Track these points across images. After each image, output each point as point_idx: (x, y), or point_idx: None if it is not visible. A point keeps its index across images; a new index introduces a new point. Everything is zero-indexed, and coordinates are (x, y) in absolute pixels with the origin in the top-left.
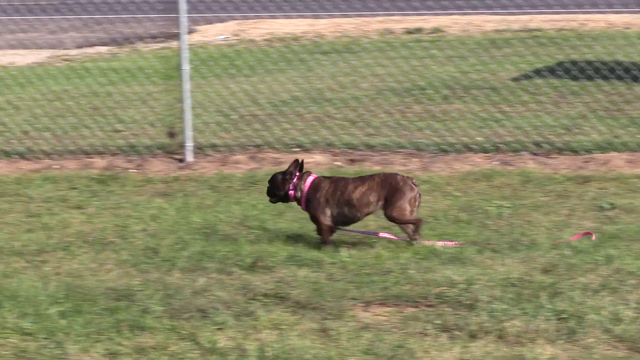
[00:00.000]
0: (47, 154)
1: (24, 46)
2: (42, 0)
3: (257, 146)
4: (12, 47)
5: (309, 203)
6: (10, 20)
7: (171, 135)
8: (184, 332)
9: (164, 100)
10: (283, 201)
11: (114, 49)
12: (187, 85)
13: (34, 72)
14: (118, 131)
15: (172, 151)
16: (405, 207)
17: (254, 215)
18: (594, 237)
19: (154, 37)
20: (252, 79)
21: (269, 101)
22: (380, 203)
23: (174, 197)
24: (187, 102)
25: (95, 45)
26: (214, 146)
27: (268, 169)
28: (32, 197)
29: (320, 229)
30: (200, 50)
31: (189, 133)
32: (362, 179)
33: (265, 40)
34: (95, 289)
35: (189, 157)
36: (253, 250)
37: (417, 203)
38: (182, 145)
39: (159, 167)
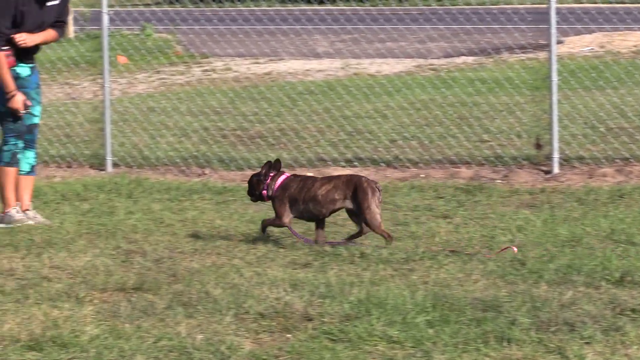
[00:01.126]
0: (414, 163)
1: (393, 55)
2: (413, 10)
3: (625, 159)
4: (381, 55)
5: (274, 199)
6: (381, 29)
7: (538, 146)
8: (551, 345)
9: (530, 111)
10: (260, 200)
11: (480, 58)
12: (554, 97)
13: (401, 81)
14: (484, 141)
15: (539, 162)
16: (373, 209)
17: (621, 229)
18: (515, 250)
19: (521, 48)
20: (620, 91)
21: (637, 114)
22: (347, 201)
23: (540, 208)
24: (555, 114)
25: (462, 55)
26: (580, 158)
27: (635, 183)
28: (399, 205)
29: (274, 220)
30: (568, 61)
31: (555, 145)
32: (329, 178)
33: (632, 52)
34: (462, 299)
35: (556, 169)
36: (621, 264)
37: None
38: (548, 157)
39: (525, 178)
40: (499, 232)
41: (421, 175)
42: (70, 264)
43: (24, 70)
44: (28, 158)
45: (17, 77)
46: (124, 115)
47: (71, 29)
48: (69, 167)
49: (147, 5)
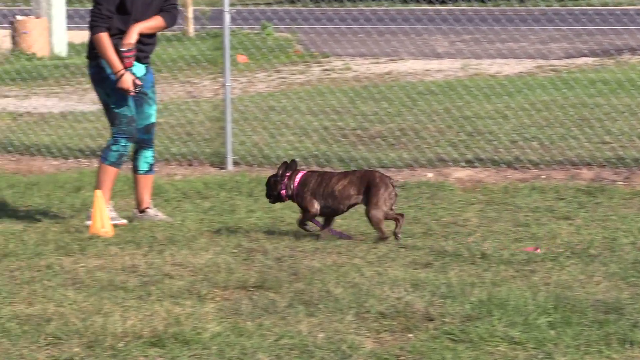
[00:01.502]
0: (535, 164)
1: (514, 55)
2: (535, 10)
3: None
4: (502, 56)
5: (297, 197)
6: (502, 29)
7: None
8: None
9: None
10: (279, 201)
11: (602, 59)
12: None
13: (522, 81)
14: (606, 143)
15: None
16: (381, 205)
17: None
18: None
19: None
20: None
21: None
22: (361, 197)
23: None
24: None
25: (584, 55)
26: None
27: None
28: (520, 206)
29: (305, 216)
30: None
31: None
32: (345, 174)
33: None
34: (583, 301)
35: None
36: None
37: (392, 201)
38: None
39: None
40: (620, 234)
41: (542, 177)
42: (192, 261)
43: (139, 70)
44: (147, 157)
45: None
46: (244, 113)
47: (192, 28)
48: (190, 165)
49: (269, 4)
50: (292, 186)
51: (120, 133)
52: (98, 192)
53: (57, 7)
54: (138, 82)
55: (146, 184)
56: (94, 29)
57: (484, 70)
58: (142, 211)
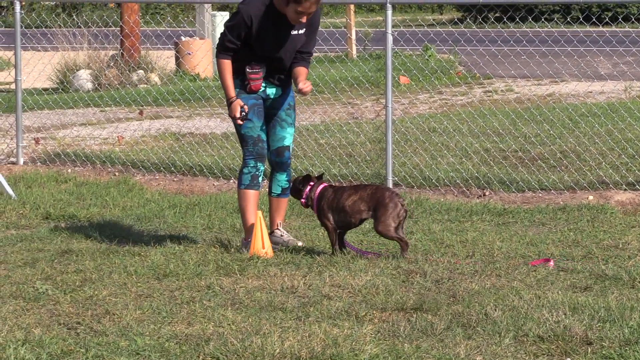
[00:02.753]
0: None
1: None
2: None
3: None
4: None
5: (318, 211)
6: None
7: None
8: None
9: None
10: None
11: None
12: None
13: None
14: None
15: None
16: (389, 222)
17: None
18: (552, 264)
19: None
20: None
21: None
22: (370, 212)
23: None
24: None
25: None
26: None
27: None
28: None
29: (327, 232)
30: None
31: None
32: (356, 189)
33: None
34: None
35: None
36: None
37: (401, 219)
38: None
39: None
40: None
41: None
42: (351, 282)
43: (272, 90)
44: (279, 181)
45: (266, 98)
46: (406, 135)
47: (354, 49)
48: None
49: (431, 25)
50: (312, 197)
51: (248, 154)
52: (258, 213)
53: (221, 29)
54: (246, 107)
55: (278, 206)
56: (217, 54)
57: None
58: (271, 232)
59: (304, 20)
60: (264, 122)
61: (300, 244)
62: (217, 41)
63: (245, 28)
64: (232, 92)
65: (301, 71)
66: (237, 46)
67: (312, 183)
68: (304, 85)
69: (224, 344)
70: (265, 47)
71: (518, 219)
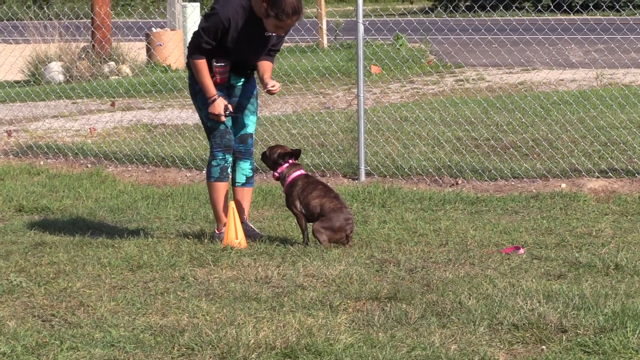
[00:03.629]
0: None
1: None
2: None
3: None
4: (637, 65)
5: (286, 196)
6: (637, 38)
7: None
8: None
9: None
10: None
11: None
12: None
13: None
14: None
15: None
16: (324, 239)
17: None
18: (522, 252)
19: None
20: None
21: None
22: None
23: None
24: None
25: None
26: None
27: None
28: None
29: (296, 218)
30: None
31: None
32: (327, 193)
33: None
34: None
35: None
36: None
37: (344, 233)
38: None
39: None
40: None
41: None
42: (325, 272)
43: (236, 80)
44: (243, 169)
45: (230, 86)
46: (378, 124)
47: (325, 39)
48: (323, 175)
49: (402, 15)
50: (285, 178)
51: (216, 147)
52: (231, 204)
53: (192, 20)
54: (230, 107)
55: (244, 196)
56: (191, 55)
57: (618, 79)
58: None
59: (281, 33)
60: None
61: (262, 235)
62: (188, 32)
63: (222, 30)
64: (213, 90)
65: (267, 66)
66: (212, 47)
67: (290, 161)
68: (273, 86)
69: (198, 334)
70: (239, 48)
71: (491, 208)
